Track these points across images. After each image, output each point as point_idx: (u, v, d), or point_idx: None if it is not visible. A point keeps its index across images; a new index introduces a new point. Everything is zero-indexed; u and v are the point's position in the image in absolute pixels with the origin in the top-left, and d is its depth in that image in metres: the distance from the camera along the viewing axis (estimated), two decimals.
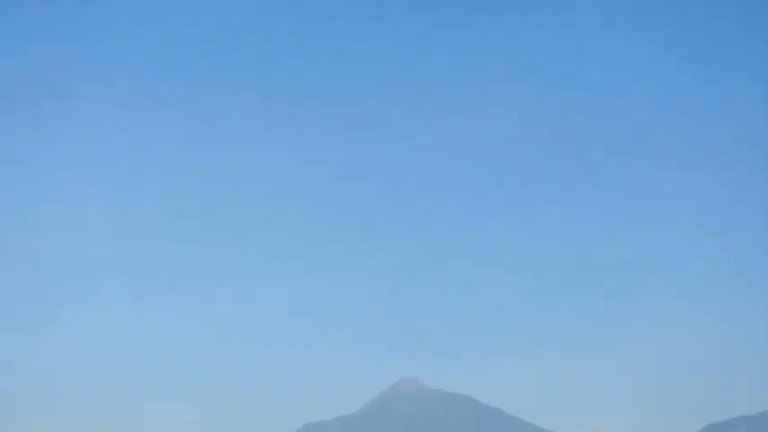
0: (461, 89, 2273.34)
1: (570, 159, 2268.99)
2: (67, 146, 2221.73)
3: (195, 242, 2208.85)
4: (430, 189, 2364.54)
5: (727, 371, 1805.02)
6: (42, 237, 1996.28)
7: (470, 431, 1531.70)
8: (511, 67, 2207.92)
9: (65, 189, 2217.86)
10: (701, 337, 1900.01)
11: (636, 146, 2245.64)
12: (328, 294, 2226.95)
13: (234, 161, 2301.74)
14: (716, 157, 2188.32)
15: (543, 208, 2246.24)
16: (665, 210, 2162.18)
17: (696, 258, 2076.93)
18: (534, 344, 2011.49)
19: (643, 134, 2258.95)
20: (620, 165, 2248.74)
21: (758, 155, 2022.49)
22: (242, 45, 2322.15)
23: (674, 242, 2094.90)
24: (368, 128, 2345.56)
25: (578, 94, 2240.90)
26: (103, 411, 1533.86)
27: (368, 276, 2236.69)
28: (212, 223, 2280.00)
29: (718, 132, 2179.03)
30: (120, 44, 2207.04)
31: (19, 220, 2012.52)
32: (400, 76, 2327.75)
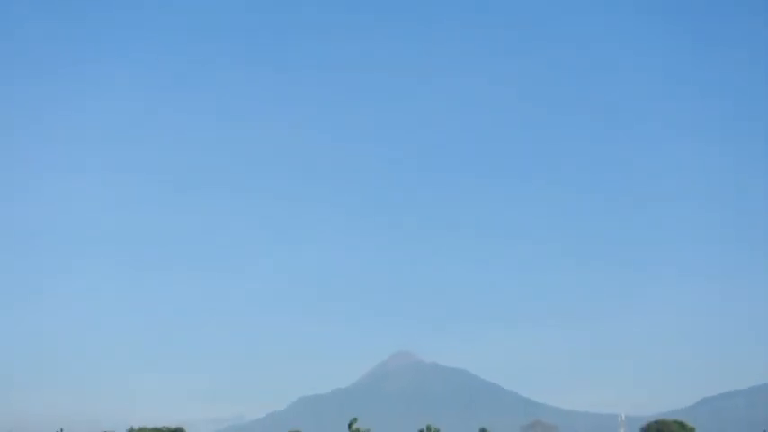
0: (458, 60, 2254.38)
1: (571, 130, 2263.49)
2: (68, 115, 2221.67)
3: (192, 213, 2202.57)
4: (426, 161, 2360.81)
5: (723, 345, 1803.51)
6: (39, 208, 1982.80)
7: (465, 405, 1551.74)
8: (506, 37, 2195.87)
9: (63, 159, 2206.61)
10: (697, 313, 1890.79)
11: (633, 117, 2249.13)
12: (322, 269, 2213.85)
13: (234, 132, 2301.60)
14: (715, 128, 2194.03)
15: (541, 178, 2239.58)
16: (665, 182, 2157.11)
17: (694, 232, 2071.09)
18: (530, 318, 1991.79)
19: (640, 105, 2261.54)
20: (618, 137, 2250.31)
21: (758, 126, 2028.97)
22: (245, 21, 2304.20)
23: (674, 215, 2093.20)
24: (366, 97, 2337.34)
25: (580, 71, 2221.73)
26: (104, 381, 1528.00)
27: (362, 249, 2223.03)
28: (211, 195, 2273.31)
29: (717, 103, 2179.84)
30: (126, 19, 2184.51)
31: (17, 192, 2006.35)
32: (398, 47, 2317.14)
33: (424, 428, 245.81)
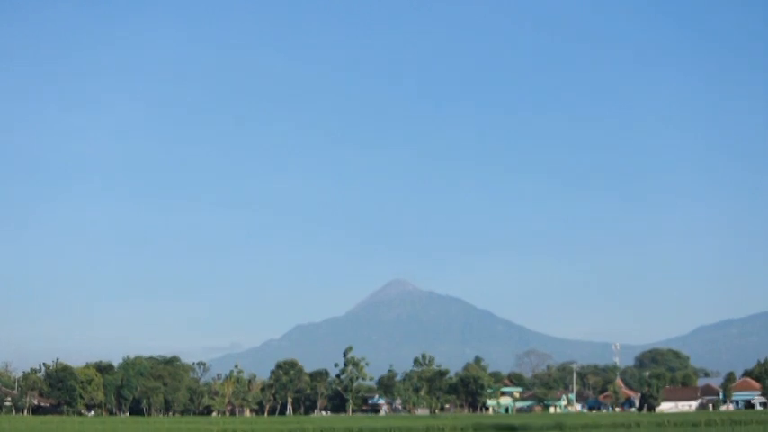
0: None
1: (571, 59, 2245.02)
2: (68, 50, 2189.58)
3: (187, 143, 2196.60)
4: (424, 90, 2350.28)
5: (718, 275, 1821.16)
6: (38, 137, 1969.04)
7: (459, 332, 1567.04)
8: None
9: (64, 91, 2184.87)
10: (692, 243, 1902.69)
11: (632, 44, 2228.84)
12: (319, 198, 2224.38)
13: (231, 63, 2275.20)
14: (713, 63, 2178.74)
15: (539, 107, 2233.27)
16: (662, 110, 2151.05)
17: (689, 164, 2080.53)
18: (525, 247, 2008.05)
19: (640, 34, 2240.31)
20: (616, 65, 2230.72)
21: (748, 53, 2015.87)
22: None
23: (668, 144, 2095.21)
24: (363, 25, 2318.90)
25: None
26: (99, 311, 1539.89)
27: (360, 178, 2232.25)
28: (206, 124, 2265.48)
29: (709, 30, 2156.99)
30: None
31: (15, 121, 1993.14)
32: None
33: (419, 356, 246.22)
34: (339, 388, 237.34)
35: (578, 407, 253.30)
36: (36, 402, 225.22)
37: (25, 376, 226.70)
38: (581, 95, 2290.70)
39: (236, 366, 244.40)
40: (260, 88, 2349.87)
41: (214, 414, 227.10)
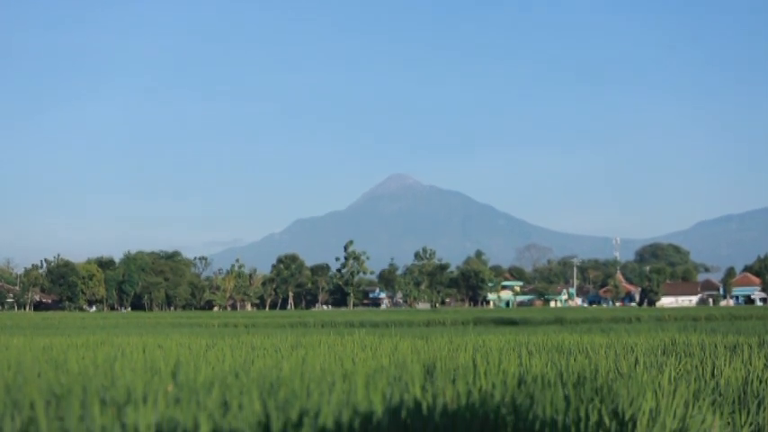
0: None
1: None
2: None
3: (190, 35, 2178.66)
4: None
5: (718, 171, 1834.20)
6: (46, 34, 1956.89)
7: (460, 226, 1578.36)
8: None
9: None
10: (693, 139, 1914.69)
11: None
12: (319, 91, 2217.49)
13: None
14: None
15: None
16: (671, 12, 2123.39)
17: (695, 60, 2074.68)
18: (526, 141, 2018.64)
19: None
20: None
21: None
22: None
23: (675, 42, 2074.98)
24: None
25: None
26: (100, 207, 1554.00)
27: (360, 71, 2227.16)
28: (205, 16, 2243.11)
29: None
30: None
31: (29, 18, 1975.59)
32: None
33: (420, 250, 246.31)
34: (340, 282, 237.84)
35: (578, 301, 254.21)
36: (38, 298, 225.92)
37: (27, 272, 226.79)
38: None
39: (237, 261, 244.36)
40: None
41: (215, 309, 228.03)
